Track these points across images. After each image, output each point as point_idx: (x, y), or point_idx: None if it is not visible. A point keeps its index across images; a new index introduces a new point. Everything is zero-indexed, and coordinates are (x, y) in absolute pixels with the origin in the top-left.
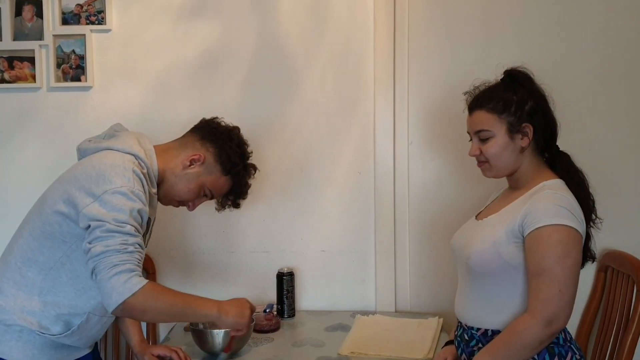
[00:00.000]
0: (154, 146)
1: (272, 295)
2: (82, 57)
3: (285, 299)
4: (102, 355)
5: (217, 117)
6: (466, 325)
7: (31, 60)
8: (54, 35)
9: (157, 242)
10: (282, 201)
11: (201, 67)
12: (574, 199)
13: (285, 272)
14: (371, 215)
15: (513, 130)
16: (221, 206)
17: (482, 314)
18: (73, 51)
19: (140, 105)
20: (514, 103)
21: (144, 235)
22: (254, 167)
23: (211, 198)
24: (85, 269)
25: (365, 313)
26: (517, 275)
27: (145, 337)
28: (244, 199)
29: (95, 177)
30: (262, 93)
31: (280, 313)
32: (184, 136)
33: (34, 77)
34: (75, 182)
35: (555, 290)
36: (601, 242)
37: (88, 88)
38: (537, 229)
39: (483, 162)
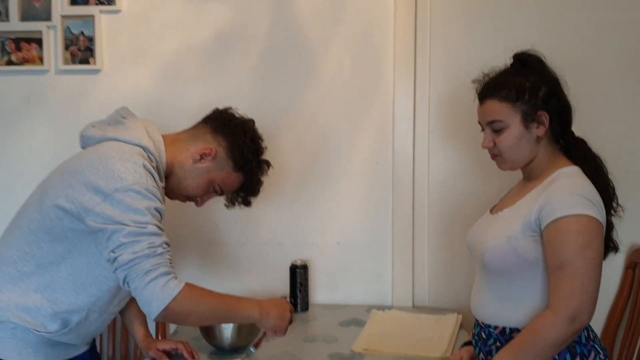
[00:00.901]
0: (162, 136)
1: (285, 289)
2: (91, 39)
3: (298, 293)
4: (100, 350)
5: (230, 108)
6: (483, 323)
7: (39, 42)
8: (62, 16)
9: (168, 233)
10: (296, 191)
11: (214, 50)
12: (592, 186)
13: (299, 264)
14: (389, 206)
15: (528, 119)
16: (231, 202)
17: (499, 311)
18: (82, 32)
19: (150, 89)
20: (527, 90)
21: None
22: (268, 164)
23: (221, 194)
24: (87, 265)
25: (381, 308)
26: (535, 271)
27: (155, 330)
28: (255, 196)
29: (103, 173)
30: (276, 78)
31: (294, 307)
32: (194, 127)
33: (41, 59)
34: (80, 175)
35: (577, 284)
36: (629, 237)
37: (97, 71)
38: (554, 220)
39: (496, 155)
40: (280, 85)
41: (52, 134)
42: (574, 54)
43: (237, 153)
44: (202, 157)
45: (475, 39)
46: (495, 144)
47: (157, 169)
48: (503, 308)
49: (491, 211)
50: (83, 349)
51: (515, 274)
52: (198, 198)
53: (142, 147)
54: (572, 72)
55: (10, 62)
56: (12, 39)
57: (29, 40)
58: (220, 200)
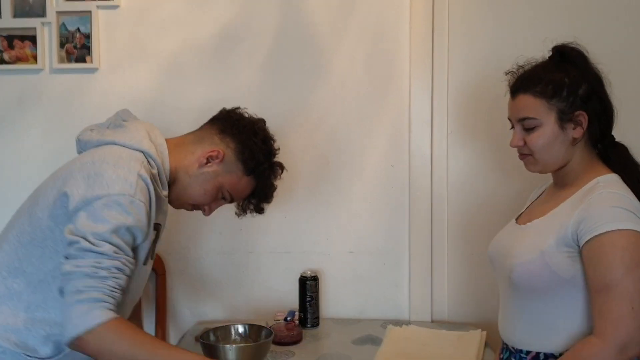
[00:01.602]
0: (166, 140)
1: (293, 301)
2: (87, 36)
3: (308, 306)
4: None
5: (239, 107)
6: (513, 348)
7: (33, 39)
8: (57, 12)
9: (168, 241)
10: (306, 196)
11: (218, 47)
12: (634, 197)
13: (309, 276)
14: (405, 213)
15: (564, 119)
16: (242, 211)
17: (531, 335)
18: (78, 29)
19: (150, 89)
20: (566, 86)
21: (155, 243)
22: (281, 166)
23: (231, 201)
24: None
25: (397, 323)
26: (572, 290)
27: None
28: (268, 202)
29: (93, 177)
30: (284, 76)
31: (303, 322)
32: (200, 129)
33: (35, 58)
34: (70, 179)
35: (627, 308)
36: None
37: (94, 70)
38: (596, 236)
39: (526, 154)
40: (288, 84)
41: (46, 136)
42: (614, 48)
43: (247, 155)
44: (209, 160)
45: (499, 30)
46: (525, 143)
47: (159, 176)
48: (536, 331)
49: (517, 220)
50: None
51: (549, 294)
52: (205, 206)
53: (142, 152)
54: (613, 69)
55: (2, 61)
56: (4, 36)
57: (22, 38)
58: (224, 207)
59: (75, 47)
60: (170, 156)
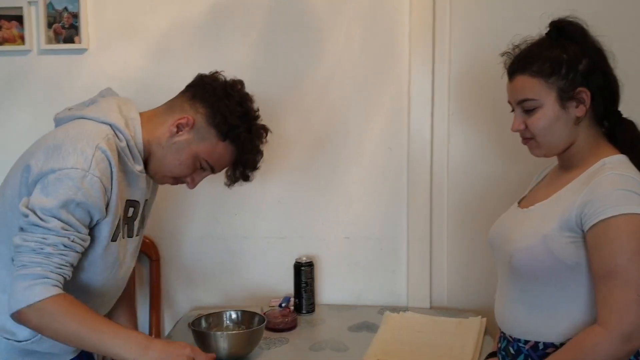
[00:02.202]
0: (141, 114)
1: (289, 287)
2: (75, 16)
3: (303, 292)
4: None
5: (216, 72)
6: (511, 337)
7: (19, 19)
8: None
9: (162, 225)
10: (301, 180)
11: (209, 25)
12: None
13: (304, 261)
14: (403, 197)
15: (565, 97)
16: (230, 180)
17: (531, 323)
18: (65, 8)
19: (140, 69)
20: (565, 62)
21: (126, 224)
22: (265, 129)
23: (213, 171)
24: None
25: (395, 309)
26: (576, 277)
27: (148, 332)
28: (255, 169)
29: (52, 149)
30: (279, 55)
31: (298, 308)
32: (173, 98)
33: (22, 39)
34: (34, 153)
35: (633, 295)
36: None
37: (82, 50)
38: (601, 221)
39: (529, 138)
40: (283, 63)
41: (34, 118)
42: (618, 20)
43: (219, 119)
44: (179, 128)
45: (503, 5)
46: (527, 126)
47: (129, 149)
48: (536, 320)
49: (520, 204)
50: (67, 357)
51: (551, 280)
52: (187, 178)
53: (110, 124)
54: (618, 43)
55: None
56: None
57: (9, 18)
58: (218, 191)
59: (63, 27)
60: (143, 129)
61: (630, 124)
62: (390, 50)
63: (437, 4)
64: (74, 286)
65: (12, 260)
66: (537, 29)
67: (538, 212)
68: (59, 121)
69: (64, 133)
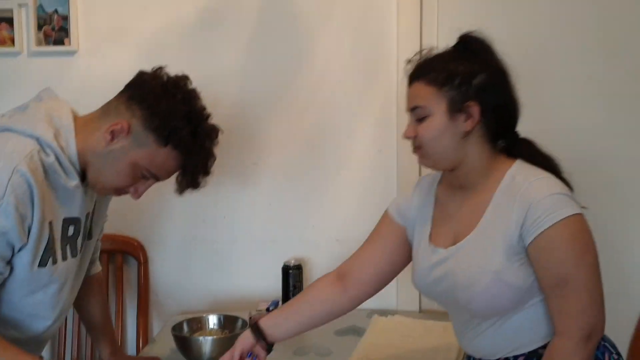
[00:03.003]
0: (77, 119)
1: (279, 291)
2: (65, 18)
3: (291, 296)
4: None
5: (160, 68)
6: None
7: (9, 21)
8: None
9: (150, 228)
10: (291, 184)
11: (200, 28)
12: (555, 177)
13: (292, 264)
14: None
15: (454, 109)
16: (180, 187)
17: (498, 346)
18: (55, 11)
19: (130, 72)
20: (460, 74)
21: (75, 239)
22: (215, 129)
23: (157, 180)
24: None
25: (384, 313)
26: (533, 295)
27: (136, 335)
28: (205, 174)
29: None
30: (268, 59)
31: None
32: (111, 99)
33: (12, 41)
34: None
35: (586, 298)
36: None
37: (72, 52)
38: (540, 234)
39: (418, 147)
40: (272, 67)
41: None
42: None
43: (157, 122)
44: (113, 135)
45: (488, 14)
46: (417, 134)
47: (60, 164)
48: (503, 342)
49: (432, 242)
50: None
51: (514, 310)
52: (130, 188)
53: (35, 137)
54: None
55: None
56: None
57: None
58: (207, 193)
59: (53, 29)
60: (77, 138)
61: (527, 142)
62: (379, 54)
63: (424, 9)
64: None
65: None
66: (524, 31)
67: (473, 248)
68: None
69: None
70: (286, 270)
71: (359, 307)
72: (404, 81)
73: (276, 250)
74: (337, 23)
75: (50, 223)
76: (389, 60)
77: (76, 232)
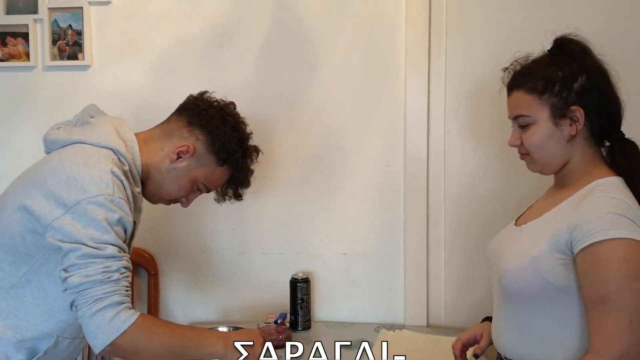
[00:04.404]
0: (135, 134)
1: (286, 303)
2: (79, 33)
3: (299, 309)
4: None
5: (206, 92)
6: (505, 358)
7: (25, 36)
8: (49, 9)
9: (161, 240)
10: (298, 197)
11: (210, 43)
12: (635, 202)
13: (300, 278)
14: (400, 214)
15: (558, 115)
16: (221, 197)
17: (523, 344)
18: (70, 26)
19: (142, 86)
20: (559, 80)
21: (131, 241)
22: (257, 150)
23: (208, 191)
24: (55, 288)
25: (391, 327)
26: (565, 299)
27: None
28: (246, 187)
29: (66, 182)
30: (277, 73)
31: (294, 325)
32: (168, 120)
33: (28, 55)
34: (41, 186)
35: (625, 322)
36: None
37: (86, 67)
38: (591, 244)
39: (525, 154)
40: (281, 82)
41: (39, 134)
42: (621, 40)
43: (219, 146)
44: (180, 155)
45: (499, 24)
46: (522, 142)
47: (131, 172)
48: (528, 342)
49: (516, 222)
50: None
51: (541, 302)
52: (183, 199)
53: (111, 149)
54: (621, 61)
55: None
56: None
57: (15, 35)
58: (216, 206)
59: (67, 44)
60: (140, 152)
61: (632, 144)
62: (387, 68)
63: (433, 22)
64: None
65: (72, 304)
66: (532, 46)
67: (528, 232)
68: (52, 144)
69: (70, 161)
70: (294, 283)
71: (366, 321)
72: (412, 96)
73: (284, 263)
74: (345, 39)
75: None
76: (396, 75)
77: (133, 234)
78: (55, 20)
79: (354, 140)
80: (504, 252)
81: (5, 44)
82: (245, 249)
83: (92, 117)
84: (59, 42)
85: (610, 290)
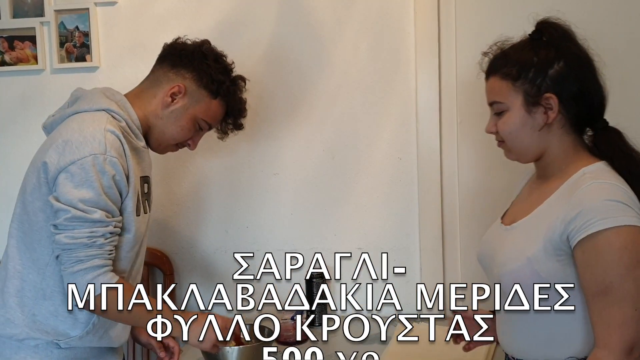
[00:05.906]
0: (125, 95)
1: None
2: (86, 34)
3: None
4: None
5: (179, 38)
6: (513, 358)
7: (32, 40)
8: (56, 11)
9: (176, 240)
10: (312, 193)
11: (217, 40)
12: (626, 185)
13: (316, 274)
14: (414, 207)
15: (531, 102)
16: (223, 133)
17: (528, 344)
18: (77, 28)
19: None
20: (534, 66)
21: (145, 200)
22: (242, 78)
23: (209, 129)
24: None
25: (408, 321)
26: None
27: None
28: (244, 116)
29: (62, 146)
30: (285, 67)
31: (311, 321)
32: (152, 72)
33: (35, 58)
34: (47, 152)
35: (630, 311)
36: None
37: (94, 68)
38: (589, 236)
39: (501, 141)
40: (290, 76)
41: None
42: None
43: (207, 79)
44: (173, 97)
45: (508, 12)
46: (497, 129)
47: (129, 128)
48: (533, 341)
49: (502, 220)
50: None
51: (542, 302)
52: (189, 141)
53: (104, 110)
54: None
55: (4, 63)
56: (4, 38)
57: (22, 39)
58: (229, 204)
59: (75, 45)
60: (134, 107)
61: (615, 132)
62: (397, 60)
63: (442, 13)
64: (121, 266)
65: (58, 257)
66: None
67: (521, 231)
68: (50, 126)
69: (66, 128)
70: (310, 279)
71: (382, 315)
72: (423, 87)
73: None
74: (354, 33)
75: (136, 177)
76: (407, 66)
77: (149, 189)
78: (62, 23)
79: (365, 134)
80: (497, 255)
81: (13, 48)
82: (260, 247)
83: (79, 96)
84: (66, 44)
85: (612, 281)
